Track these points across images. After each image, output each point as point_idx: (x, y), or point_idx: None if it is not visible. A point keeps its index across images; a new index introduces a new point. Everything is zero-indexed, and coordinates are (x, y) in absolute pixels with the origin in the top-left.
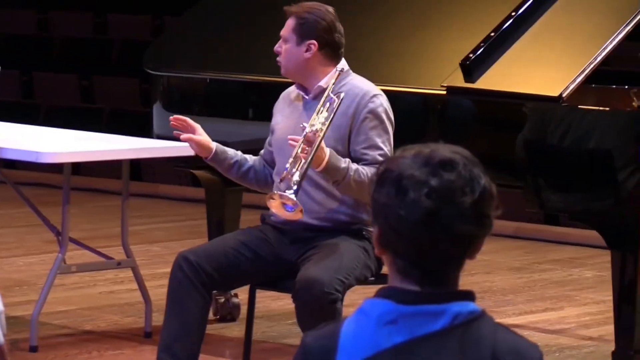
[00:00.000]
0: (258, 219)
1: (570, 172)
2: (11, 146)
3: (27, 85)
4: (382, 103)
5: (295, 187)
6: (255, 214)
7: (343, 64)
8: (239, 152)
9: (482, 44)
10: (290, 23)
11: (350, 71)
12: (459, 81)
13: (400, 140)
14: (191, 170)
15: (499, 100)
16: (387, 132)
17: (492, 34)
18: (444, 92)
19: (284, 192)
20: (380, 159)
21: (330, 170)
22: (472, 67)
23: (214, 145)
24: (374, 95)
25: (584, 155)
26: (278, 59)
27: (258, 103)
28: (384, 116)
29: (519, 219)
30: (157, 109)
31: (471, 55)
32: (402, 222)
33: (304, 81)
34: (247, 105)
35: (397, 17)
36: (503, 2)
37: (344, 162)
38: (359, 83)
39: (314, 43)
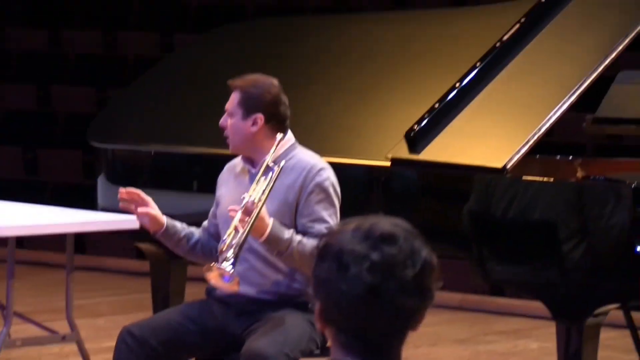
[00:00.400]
0: (203, 292)
1: (515, 243)
2: None
3: None
4: (329, 177)
5: (232, 258)
6: (200, 287)
7: (289, 135)
8: (185, 225)
9: (426, 115)
10: (235, 97)
11: (297, 144)
12: (403, 152)
13: (345, 211)
14: (136, 244)
15: (443, 171)
16: (333, 205)
17: (437, 105)
18: (388, 164)
19: (221, 263)
20: (323, 230)
21: (273, 241)
22: (417, 138)
23: (164, 219)
24: (321, 169)
25: (529, 226)
26: (225, 132)
27: (203, 175)
28: (330, 190)
29: (464, 290)
30: (101, 181)
31: (415, 126)
32: (343, 297)
33: (251, 154)
34: (192, 177)
35: (342, 88)
36: (447, 73)
37: (288, 233)
38: (306, 156)
39: (260, 117)
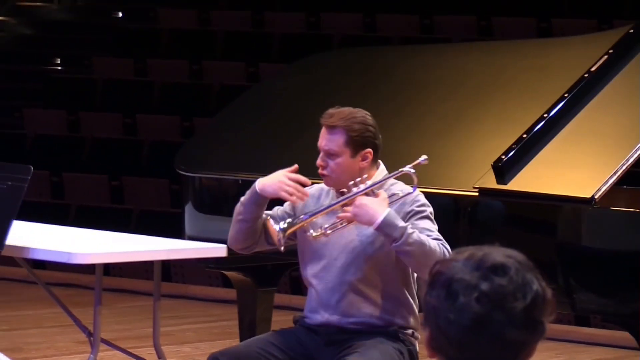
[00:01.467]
0: (290, 320)
1: (602, 273)
2: (42, 247)
3: (57, 185)
4: (426, 202)
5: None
6: (288, 315)
7: (383, 166)
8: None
9: (514, 146)
10: (338, 136)
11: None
12: (491, 182)
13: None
14: (223, 271)
15: (530, 201)
16: (434, 223)
17: (525, 135)
18: (476, 194)
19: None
20: (437, 234)
21: (386, 226)
22: (504, 168)
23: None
24: (418, 195)
25: (616, 257)
26: (324, 172)
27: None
28: (429, 211)
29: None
30: (188, 209)
31: (503, 157)
32: (451, 326)
33: (348, 186)
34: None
35: (430, 118)
36: (535, 103)
37: (403, 222)
38: (402, 186)
39: (369, 152)
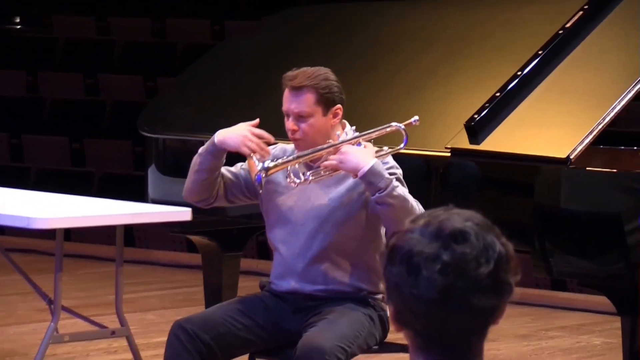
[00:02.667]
0: (257, 285)
1: (579, 235)
2: (1, 211)
3: (17, 148)
4: (394, 163)
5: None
6: (254, 280)
7: (346, 123)
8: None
9: (487, 105)
10: (308, 97)
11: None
12: (463, 143)
13: None
14: (187, 236)
15: (504, 162)
16: (404, 184)
17: (498, 94)
18: (448, 154)
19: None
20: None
21: (372, 175)
22: (477, 128)
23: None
24: (386, 158)
25: (593, 219)
26: (296, 135)
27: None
28: (397, 172)
29: (525, 284)
30: (152, 172)
31: (476, 116)
32: (417, 300)
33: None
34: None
35: (400, 76)
36: (508, 61)
37: (388, 175)
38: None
39: (339, 108)
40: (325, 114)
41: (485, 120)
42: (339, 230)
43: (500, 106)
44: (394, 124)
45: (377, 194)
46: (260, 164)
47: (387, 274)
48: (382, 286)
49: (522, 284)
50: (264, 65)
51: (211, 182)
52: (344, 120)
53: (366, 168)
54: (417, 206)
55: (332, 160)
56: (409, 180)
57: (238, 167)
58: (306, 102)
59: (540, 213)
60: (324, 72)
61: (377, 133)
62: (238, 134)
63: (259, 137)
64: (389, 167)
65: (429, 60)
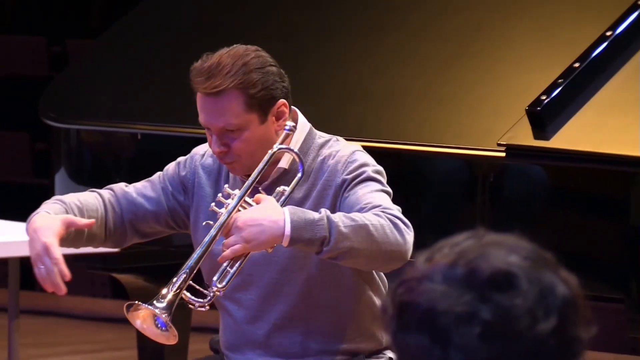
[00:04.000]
0: (207, 348)
1: None
2: None
3: None
4: (363, 160)
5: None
6: (205, 339)
7: (301, 120)
8: (70, 205)
9: (560, 81)
10: (234, 104)
11: (314, 130)
12: (524, 137)
13: (435, 223)
14: (113, 274)
15: (586, 166)
16: (384, 189)
17: (577, 65)
18: (502, 154)
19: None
20: (377, 204)
21: (302, 229)
22: (545, 115)
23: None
24: (353, 152)
25: None
26: (227, 159)
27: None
28: (368, 171)
29: (615, 349)
30: (61, 180)
31: (543, 97)
32: None
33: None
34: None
35: (420, 42)
36: (590, 17)
37: (316, 213)
38: (330, 149)
39: (284, 104)
40: (263, 120)
41: (558, 105)
42: (313, 278)
43: (581, 83)
44: (272, 149)
45: (324, 251)
46: (152, 307)
47: (399, 341)
48: (385, 338)
49: (611, 347)
50: (214, 24)
51: (90, 243)
52: (294, 109)
53: (288, 227)
54: (385, 221)
55: (233, 245)
56: (444, 189)
57: (156, 179)
58: (232, 111)
59: None
60: (247, 57)
61: (257, 172)
62: (35, 245)
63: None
64: (357, 168)
65: (464, 23)
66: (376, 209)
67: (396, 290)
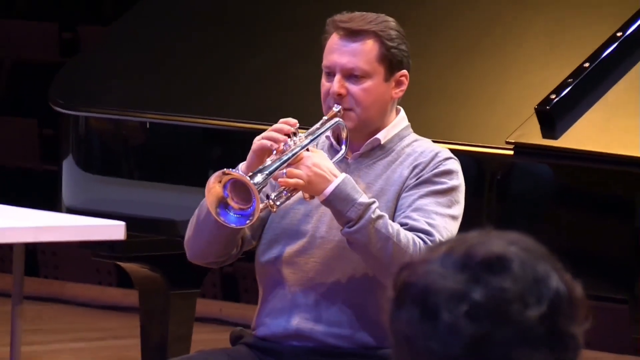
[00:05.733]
0: (224, 339)
1: None
2: None
3: None
4: (453, 167)
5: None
6: (216, 331)
7: (403, 114)
8: None
9: (570, 80)
10: (369, 48)
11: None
12: (533, 136)
13: None
14: (118, 263)
15: (594, 166)
16: (452, 206)
17: (587, 65)
18: (510, 152)
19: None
20: (429, 227)
21: (340, 200)
22: (555, 114)
23: None
24: (447, 158)
25: None
26: (343, 103)
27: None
28: (448, 184)
29: (619, 349)
30: (68, 167)
31: (553, 96)
32: (435, 359)
33: (370, 134)
34: (209, 164)
35: (432, 38)
36: (601, 17)
37: (365, 198)
38: (426, 143)
39: (406, 76)
40: (388, 78)
41: (568, 103)
42: None
43: (590, 83)
44: (335, 119)
45: (344, 229)
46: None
47: (394, 322)
48: None
49: (614, 348)
50: (227, 13)
51: (233, 235)
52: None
53: (331, 188)
54: (411, 247)
55: (296, 174)
56: None
57: None
58: (365, 54)
59: None
60: (389, 20)
61: (324, 129)
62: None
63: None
64: (443, 173)
65: (475, 18)
66: (423, 235)
67: (398, 274)
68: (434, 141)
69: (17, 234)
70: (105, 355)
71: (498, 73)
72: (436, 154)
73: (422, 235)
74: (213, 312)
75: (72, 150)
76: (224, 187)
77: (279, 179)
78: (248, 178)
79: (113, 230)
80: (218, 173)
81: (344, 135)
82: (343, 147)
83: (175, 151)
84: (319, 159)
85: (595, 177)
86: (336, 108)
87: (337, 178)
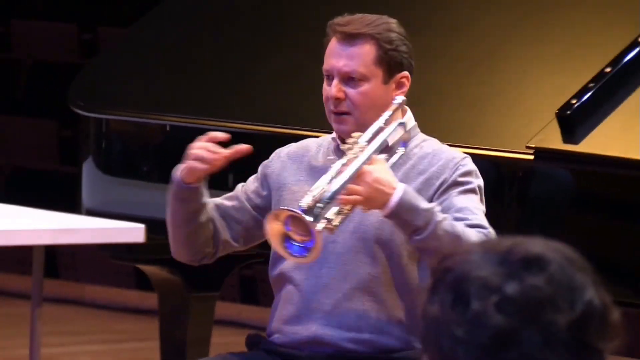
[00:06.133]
0: (238, 342)
1: None
2: None
3: None
4: (475, 171)
5: (320, 212)
6: (235, 334)
7: (410, 114)
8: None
9: (590, 85)
10: (367, 51)
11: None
12: (553, 141)
13: None
14: (138, 265)
15: (616, 172)
16: (482, 204)
17: (608, 70)
18: (531, 157)
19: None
20: (479, 219)
21: (405, 212)
22: (576, 119)
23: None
24: (464, 158)
25: None
26: (342, 107)
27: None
28: (475, 183)
29: (632, 353)
30: (88, 169)
31: (574, 101)
32: (459, 347)
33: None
34: (228, 166)
35: (452, 44)
36: (622, 22)
37: (426, 203)
38: (439, 145)
39: (407, 77)
40: (386, 80)
41: (588, 109)
42: (389, 253)
43: (611, 88)
44: (398, 120)
45: (414, 236)
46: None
47: (427, 307)
48: None
49: (628, 353)
50: (248, 15)
51: (196, 234)
52: (405, 106)
53: (395, 200)
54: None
55: (355, 191)
56: None
57: (239, 190)
58: (362, 58)
59: None
60: (390, 21)
61: (383, 118)
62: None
63: (207, 140)
64: (465, 174)
65: (496, 23)
66: (478, 228)
67: (440, 262)
68: (454, 146)
69: (36, 236)
70: (124, 358)
71: (519, 78)
72: (453, 157)
73: (479, 229)
74: (232, 314)
75: (92, 152)
76: (284, 223)
77: (341, 197)
78: (305, 215)
79: (133, 232)
80: (274, 212)
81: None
82: (401, 148)
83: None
84: (379, 173)
85: (615, 182)
86: (398, 100)
87: (397, 190)
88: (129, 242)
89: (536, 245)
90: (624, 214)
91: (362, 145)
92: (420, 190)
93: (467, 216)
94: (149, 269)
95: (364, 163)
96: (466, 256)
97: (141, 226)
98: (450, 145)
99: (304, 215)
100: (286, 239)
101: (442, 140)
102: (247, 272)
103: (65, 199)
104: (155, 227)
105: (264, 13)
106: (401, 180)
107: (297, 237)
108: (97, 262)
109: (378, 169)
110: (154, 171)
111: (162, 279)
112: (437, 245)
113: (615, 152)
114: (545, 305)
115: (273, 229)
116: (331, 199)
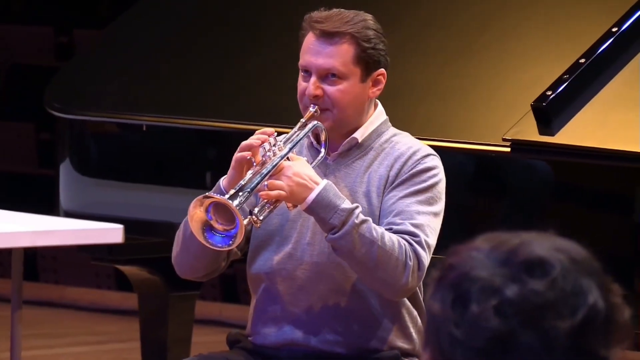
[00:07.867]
0: (220, 341)
1: None
2: None
3: None
4: (437, 167)
5: (242, 200)
6: (216, 333)
7: (381, 108)
8: None
9: (566, 76)
10: (345, 49)
11: (392, 127)
12: (529, 132)
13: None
14: (117, 266)
15: (591, 162)
16: (433, 204)
17: (582, 61)
18: (507, 149)
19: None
20: (412, 228)
21: (322, 207)
22: (551, 111)
23: None
24: (427, 155)
25: None
26: (319, 103)
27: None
28: (430, 182)
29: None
30: (66, 171)
31: (549, 93)
32: (456, 348)
33: (348, 132)
34: (206, 165)
35: (427, 34)
36: (597, 13)
37: (348, 204)
38: (406, 139)
39: (383, 74)
40: (364, 79)
41: (563, 100)
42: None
43: (586, 79)
44: (313, 122)
45: (328, 236)
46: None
47: (430, 304)
48: (418, 342)
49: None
50: (222, 15)
51: (216, 261)
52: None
53: (313, 196)
54: (401, 252)
55: (277, 186)
56: (447, 186)
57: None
58: (341, 56)
59: None
60: (367, 18)
61: (302, 134)
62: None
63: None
64: (424, 170)
65: (471, 16)
66: (408, 236)
67: (448, 256)
68: (430, 139)
69: (14, 238)
70: (105, 359)
71: (494, 70)
72: (414, 153)
73: (407, 237)
74: (213, 314)
75: (69, 154)
76: (207, 210)
77: (261, 193)
78: (229, 200)
79: (111, 233)
80: (198, 198)
81: (322, 137)
82: (322, 150)
83: (173, 153)
84: (299, 168)
85: (593, 173)
86: (312, 108)
87: (319, 185)
88: (108, 243)
89: (543, 246)
90: (601, 203)
91: (280, 145)
92: (382, 185)
93: (403, 221)
94: (128, 270)
95: (283, 158)
96: (471, 252)
97: (119, 227)
98: (426, 139)
99: (228, 200)
100: (207, 228)
101: (418, 134)
102: (227, 270)
103: (43, 202)
104: (133, 227)
105: (241, 12)
106: (366, 175)
107: (219, 227)
108: (77, 264)
109: (298, 164)
110: (131, 171)
111: (141, 280)
112: (350, 248)
113: (591, 143)
114: (545, 311)
115: (196, 214)
116: (252, 191)
